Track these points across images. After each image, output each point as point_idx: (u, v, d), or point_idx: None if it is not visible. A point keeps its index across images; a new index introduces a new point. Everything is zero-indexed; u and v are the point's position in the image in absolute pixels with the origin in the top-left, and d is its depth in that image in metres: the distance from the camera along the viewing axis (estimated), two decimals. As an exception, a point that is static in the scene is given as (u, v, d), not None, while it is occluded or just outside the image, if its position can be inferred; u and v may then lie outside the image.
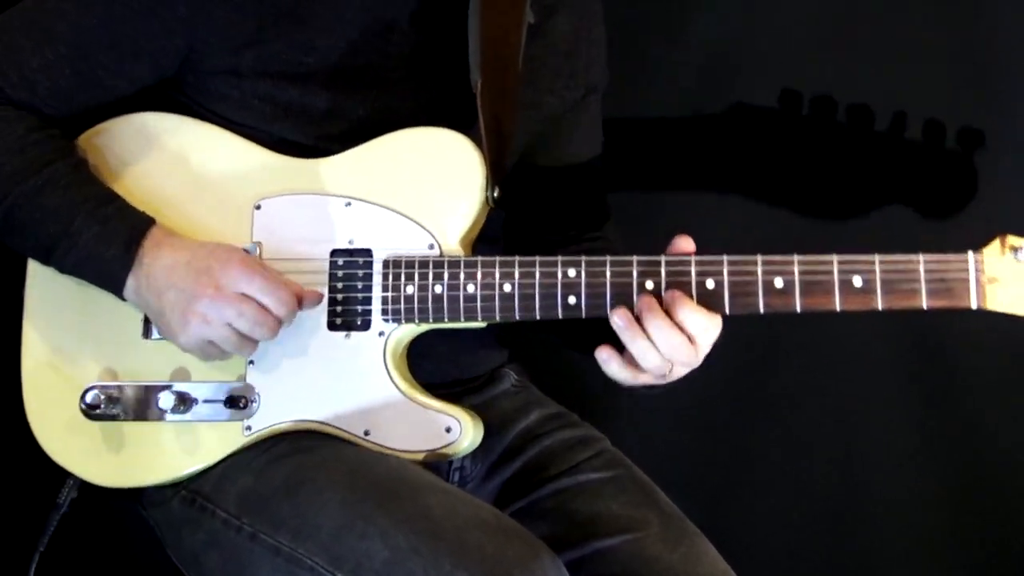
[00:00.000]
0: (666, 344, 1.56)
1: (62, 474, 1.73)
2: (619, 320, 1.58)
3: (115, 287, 1.65)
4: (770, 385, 2.34)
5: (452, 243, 1.67)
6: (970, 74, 2.19)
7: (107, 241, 1.64)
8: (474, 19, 1.72)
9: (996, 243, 1.53)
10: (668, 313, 1.56)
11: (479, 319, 1.65)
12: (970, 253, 1.53)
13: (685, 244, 1.61)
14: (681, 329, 1.56)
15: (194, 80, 1.72)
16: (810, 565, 2.39)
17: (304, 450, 1.65)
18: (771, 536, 2.38)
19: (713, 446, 2.38)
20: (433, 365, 1.74)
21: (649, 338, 1.56)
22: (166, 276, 1.62)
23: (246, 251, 1.68)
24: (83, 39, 1.68)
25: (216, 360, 1.66)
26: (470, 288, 1.64)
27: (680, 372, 1.62)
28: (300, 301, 1.64)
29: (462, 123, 1.70)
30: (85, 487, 1.73)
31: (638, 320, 1.57)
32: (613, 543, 1.70)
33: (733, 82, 2.27)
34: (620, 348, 1.60)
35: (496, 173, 1.68)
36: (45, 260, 1.69)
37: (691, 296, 1.58)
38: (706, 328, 1.57)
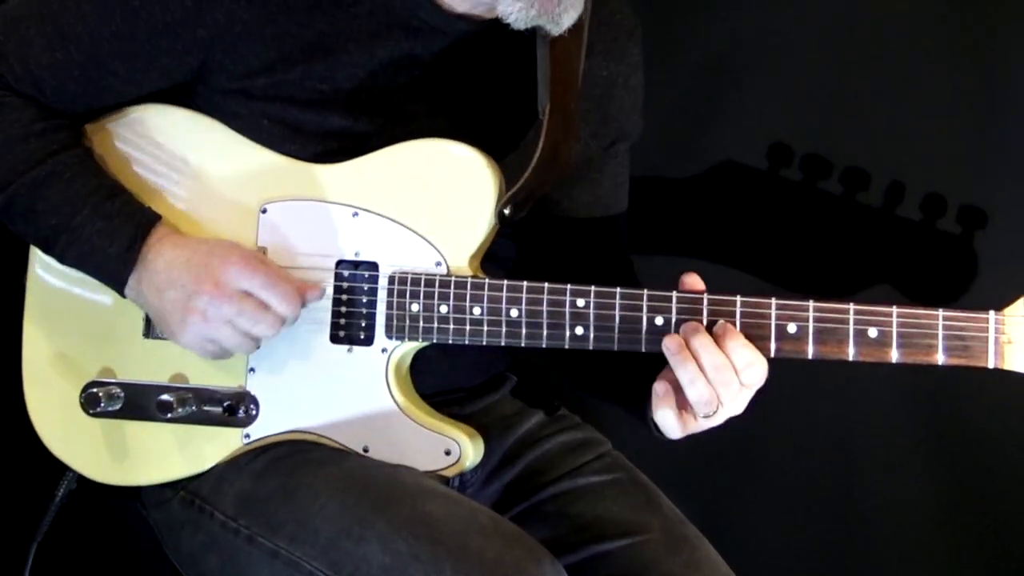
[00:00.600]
0: (713, 368, 1.51)
1: (61, 466, 1.73)
2: (671, 344, 1.53)
3: (117, 284, 1.63)
4: (772, 388, 2.30)
5: (460, 262, 1.63)
6: (988, 122, 2.14)
7: (110, 237, 1.61)
8: (543, 47, 1.67)
9: (1019, 303, 1.49)
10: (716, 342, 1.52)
11: (484, 342, 1.62)
12: (991, 312, 1.50)
13: (693, 282, 1.57)
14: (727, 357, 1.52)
15: (203, 91, 1.68)
16: (813, 570, 2.39)
17: (303, 453, 1.64)
18: (773, 540, 2.37)
19: (715, 449, 2.35)
20: (433, 377, 1.72)
21: (697, 361, 1.52)
22: (166, 274, 1.60)
23: None
24: (98, 46, 1.62)
25: (218, 359, 1.64)
26: (476, 311, 1.61)
27: (721, 416, 1.56)
28: (303, 297, 1.61)
29: None
30: (84, 480, 1.73)
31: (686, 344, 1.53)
32: (614, 547, 1.70)
33: (729, 134, 2.22)
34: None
35: (524, 197, 1.63)
36: (47, 251, 1.66)
37: None
38: (751, 363, 1.52)
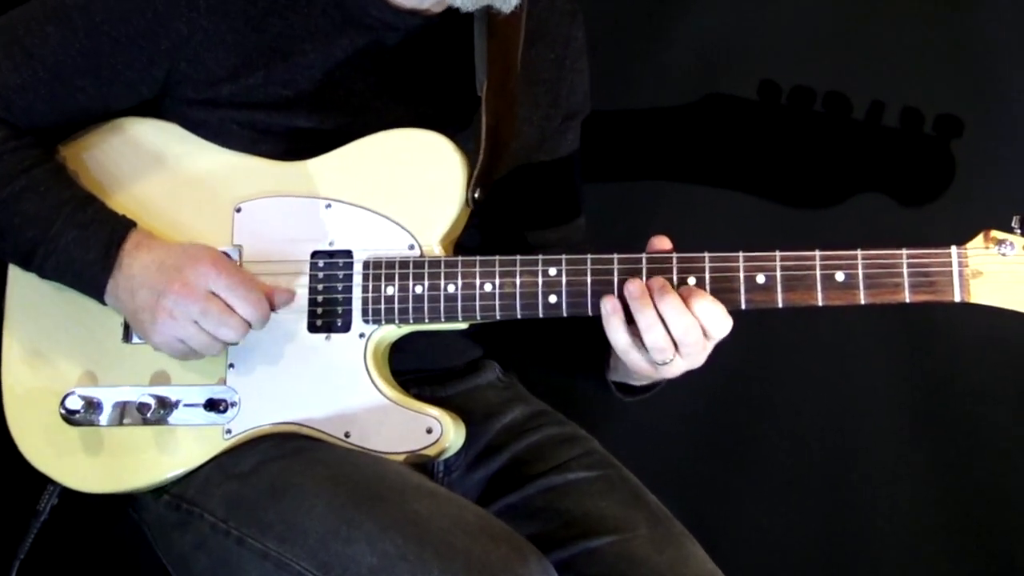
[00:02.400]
0: (677, 324, 1.54)
1: (43, 480, 1.71)
2: (634, 288, 1.56)
3: (96, 291, 1.65)
4: (760, 385, 2.34)
5: (432, 244, 1.66)
6: (956, 69, 2.18)
7: (86, 245, 1.63)
8: (481, 29, 1.73)
9: (980, 237, 1.54)
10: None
11: (460, 319, 1.64)
12: (953, 247, 1.54)
13: (661, 244, 1.61)
14: (695, 318, 1.55)
15: (171, 104, 1.73)
16: (800, 568, 2.37)
17: (288, 453, 1.64)
18: (760, 538, 2.36)
19: (702, 447, 2.37)
20: (409, 356, 1.74)
21: (659, 313, 1.55)
22: (140, 276, 1.62)
23: (226, 254, 1.67)
24: (63, 64, 1.67)
25: (190, 360, 1.65)
26: (450, 288, 1.63)
27: (679, 367, 1.59)
28: (272, 302, 1.63)
29: None
30: (67, 494, 1.72)
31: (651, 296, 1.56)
32: (601, 544, 1.69)
33: (715, 78, 2.26)
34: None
35: (484, 177, 1.68)
36: (26, 266, 1.68)
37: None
38: (720, 319, 1.55)
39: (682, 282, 1.58)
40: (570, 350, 1.80)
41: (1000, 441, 2.28)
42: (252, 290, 1.61)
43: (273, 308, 1.64)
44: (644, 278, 1.58)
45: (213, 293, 1.60)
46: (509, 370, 1.95)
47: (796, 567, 2.37)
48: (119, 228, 1.65)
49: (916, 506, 2.31)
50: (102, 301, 1.66)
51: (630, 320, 1.57)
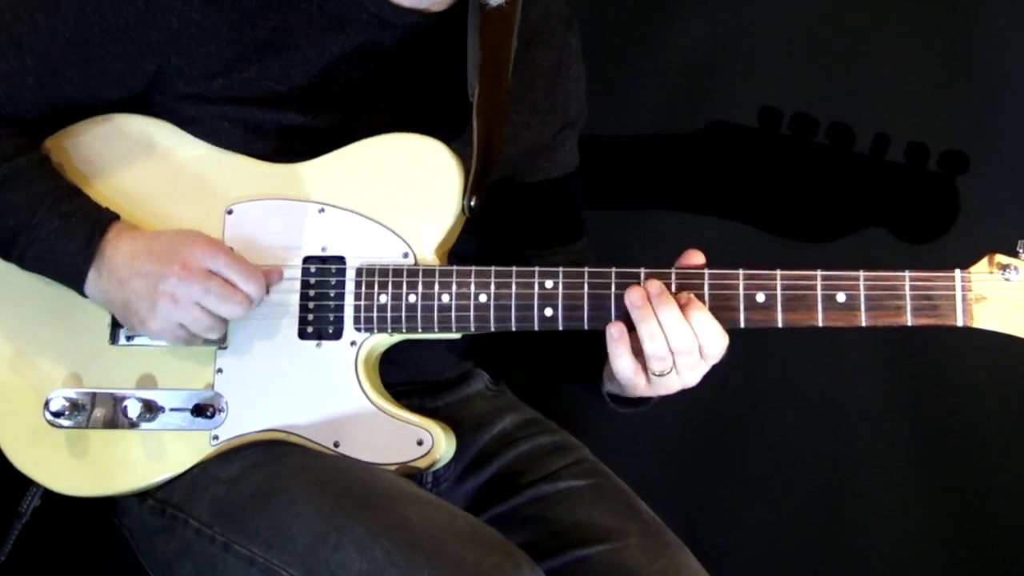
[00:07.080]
0: (675, 333, 1.53)
1: (25, 482, 1.69)
2: (635, 298, 1.55)
3: (76, 281, 1.63)
4: (753, 393, 2.33)
5: (427, 252, 1.64)
6: (958, 89, 2.17)
7: (68, 234, 1.61)
8: (473, 33, 1.71)
9: (984, 262, 1.53)
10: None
11: (453, 329, 1.62)
12: (957, 271, 1.53)
13: (694, 258, 1.59)
14: (692, 330, 1.55)
15: (161, 100, 1.70)
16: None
17: (277, 458, 1.62)
18: (753, 547, 2.36)
19: (694, 456, 2.36)
20: (401, 368, 1.72)
21: (659, 322, 1.54)
22: (129, 265, 1.60)
23: None
24: (52, 53, 1.64)
25: (188, 345, 1.63)
26: (444, 298, 1.61)
27: (674, 383, 1.59)
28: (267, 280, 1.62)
29: None
30: (49, 495, 1.69)
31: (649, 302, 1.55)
32: (592, 552, 1.68)
33: (716, 97, 2.25)
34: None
35: (478, 183, 1.66)
36: (6, 255, 1.66)
37: None
38: (716, 334, 1.55)
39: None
40: (564, 359, 1.79)
41: (995, 444, 2.27)
42: (249, 264, 1.60)
43: (267, 286, 1.62)
44: None
45: (211, 271, 1.58)
46: (499, 378, 1.94)
47: (790, 576, 2.37)
48: (101, 219, 1.63)
49: (911, 516, 2.31)
50: (83, 293, 1.63)
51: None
